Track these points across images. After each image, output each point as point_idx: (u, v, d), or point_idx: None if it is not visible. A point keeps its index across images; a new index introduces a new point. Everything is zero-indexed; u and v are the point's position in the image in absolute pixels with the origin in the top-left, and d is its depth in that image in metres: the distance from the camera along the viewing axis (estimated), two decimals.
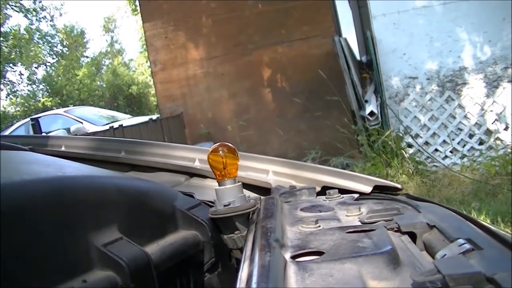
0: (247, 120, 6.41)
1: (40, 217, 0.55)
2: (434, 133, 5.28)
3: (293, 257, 0.50)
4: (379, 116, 5.07)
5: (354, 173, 0.86)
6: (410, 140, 5.21)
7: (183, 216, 0.76)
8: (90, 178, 0.75)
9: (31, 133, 9.41)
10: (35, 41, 24.13)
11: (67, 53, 24.69)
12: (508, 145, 4.95)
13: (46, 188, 0.60)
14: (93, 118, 9.99)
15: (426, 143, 5.28)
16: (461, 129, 5.23)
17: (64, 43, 25.10)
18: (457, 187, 4.40)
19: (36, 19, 23.52)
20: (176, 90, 6.66)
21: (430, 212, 0.60)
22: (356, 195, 0.78)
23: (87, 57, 25.62)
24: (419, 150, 5.18)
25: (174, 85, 6.66)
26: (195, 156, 1.08)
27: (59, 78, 23.36)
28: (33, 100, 23.80)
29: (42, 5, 23.52)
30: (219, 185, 0.77)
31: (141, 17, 7.00)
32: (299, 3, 6.20)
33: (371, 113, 5.01)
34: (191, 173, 1.05)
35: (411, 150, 5.14)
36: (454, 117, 5.25)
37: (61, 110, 11.77)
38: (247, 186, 0.88)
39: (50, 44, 24.87)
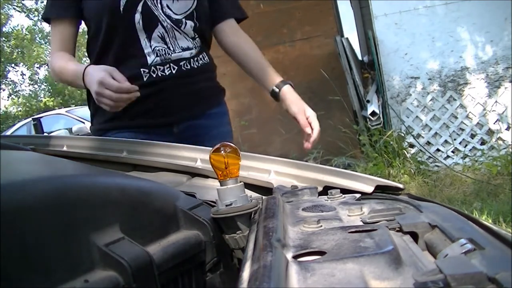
0: (249, 120, 6.40)
1: (42, 217, 0.55)
2: (436, 133, 5.27)
3: (295, 257, 0.50)
4: (381, 116, 5.07)
5: (356, 173, 0.86)
6: (411, 140, 5.20)
7: (185, 216, 0.76)
8: (92, 178, 0.75)
9: (33, 133, 9.43)
10: (37, 41, 24.20)
11: None
12: (510, 145, 4.95)
13: (48, 188, 0.60)
14: None
15: (428, 143, 5.28)
16: (462, 129, 5.22)
17: None
18: (458, 187, 4.40)
19: (38, 19, 23.57)
20: None
21: (432, 212, 0.60)
22: (358, 195, 0.78)
23: None
24: (420, 150, 5.17)
25: None
26: (197, 156, 1.08)
27: None
28: (35, 100, 23.86)
29: (44, 5, 23.55)
30: (221, 185, 0.77)
31: None
32: (301, 4, 6.19)
33: (373, 113, 5.01)
34: (193, 173, 1.05)
35: (412, 150, 5.14)
36: (456, 117, 5.24)
37: (63, 110, 11.79)
38: (248, 186, 0.88)
39: None
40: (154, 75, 1.67)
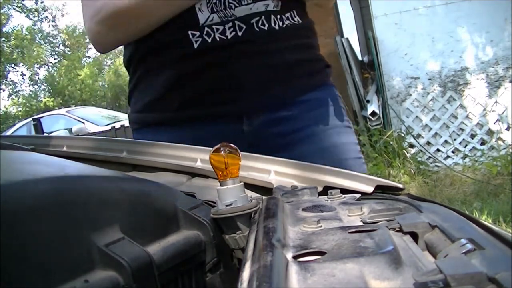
0: None
1: (42, 217, 0.55)
2: (436, 133, 5.27)
3: (295, 257, 0.50)
4: (381, 116, 5.07)
5: (356, 173, 0.86)
6: (411, 140, 5.20)
7: (185, 216, 0.75)
8: (92, 178, 0.75)
9: (33, 133, 9.44)
10: (37, 41, 24.22)
11: (69, 53, 24.76)
12: (510, 145, 4.95)
13: (48, 188, 0.60)
14: (95, 119, 9.99)
15: (428, 143, 5.28)
16: (462, 129, 5.22)
17: (66, 44, 25.18)
18: (458, 187, 4.40)
19: (38, 20, 23.59)
20: None
21: (432, 212, 0.60)
22: (358, 195, 0.78)
23: (89, 57, 25.69)
24: (420, 150, 5.17)
25: None
26: (197, 156, 1.08)
27: (61, 78, 23.42)
28: (35, 100, 23.88)
29: (44, 5, 23.59)
30: (221, 185, 0.76)
31: None
32: None
33: (373, 113, 5.01)
34: (193, 173, 1.04)
35: (412, 150, 5.14)
36: (456, 117, 5.24)
37: (63, 110, 11.80)
38: (248, 186, 0.88)
39: (52, 45, 24.98)
40: (210, 40, 1.07)
